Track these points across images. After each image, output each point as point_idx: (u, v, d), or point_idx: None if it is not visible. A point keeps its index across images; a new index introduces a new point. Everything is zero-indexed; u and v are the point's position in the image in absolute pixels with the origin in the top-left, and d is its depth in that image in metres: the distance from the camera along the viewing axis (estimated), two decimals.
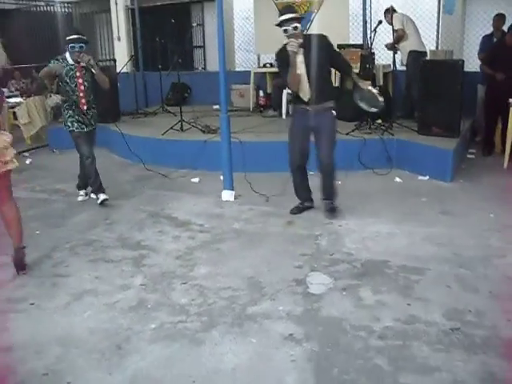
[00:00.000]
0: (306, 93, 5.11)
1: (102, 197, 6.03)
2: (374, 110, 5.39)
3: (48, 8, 14.60)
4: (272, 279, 4.08)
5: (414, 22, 8.24)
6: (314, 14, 9.64)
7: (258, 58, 11.09)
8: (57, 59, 5.87)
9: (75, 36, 5.79)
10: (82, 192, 6.38)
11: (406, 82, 8.31)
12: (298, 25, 4.93)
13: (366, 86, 5.20)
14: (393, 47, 7.76)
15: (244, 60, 12.50)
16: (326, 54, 5.02)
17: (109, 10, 13.26)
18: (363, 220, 5.26)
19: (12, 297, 3.99)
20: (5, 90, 11.18)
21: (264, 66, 10.46)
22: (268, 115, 9.25)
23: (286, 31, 4.95)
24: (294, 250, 4.61)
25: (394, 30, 7.59)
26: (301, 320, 3.49)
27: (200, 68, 13.17)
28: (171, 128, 7.90)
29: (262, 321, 3.50)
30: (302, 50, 4.97)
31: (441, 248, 4.55)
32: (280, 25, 4.99)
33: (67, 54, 5.85)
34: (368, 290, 3.87)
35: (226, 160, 6.01)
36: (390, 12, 7.93)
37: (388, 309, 3.60)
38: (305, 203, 5.58)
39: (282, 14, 5.05)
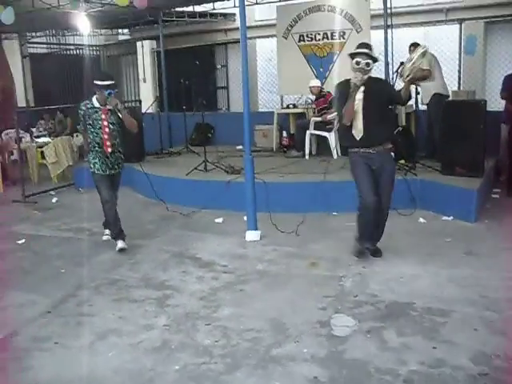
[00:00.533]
0: (358, 131, 5.07)
1: (119, 245, 5.95)
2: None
3: (77, 51, 15.03)
4: (296, 321, 4.06)
5: (439, 64, 8.29)
6: (336, 56, 9.80)
7: (281, 99, 11.23)
8: (80, 108, 5.94)
9: (107, 82, 5.76)
10: (107, 231, 6.34)
11: (428, 122, 8.32)
12: (370, 61, 4.94)
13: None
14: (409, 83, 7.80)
15: (267, 101, 12.68)
16: (387, 98, 5.15)
17: (135, 53, 13.61)
18: (387, 261, 5.22)
19: (37, 335, 4.03)
20: (33, 129, 11.48)
21: (287, 106, 10.59)
22: (291, 156, 9.31)
23: (357, 63, 4.93)
24: (318, 291, 4.59)
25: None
26: (325, 362, 3.46)
27: (224, 109, 13.38)
28: (195, 168, 8.00)
29: (286, 363, 3.47)
30: (362, 88, 4.98)
31: (466, 289, 4.49)
32: (353, 56, 5.00)
33: (94, 97, 5.90)
34: (393, 333, 3.82)
35: (250, 200, 6.05)
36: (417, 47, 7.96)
37: (413, 352, 3.55)
38: (371, 246, 5.37)
39: (359, 46, 5.10)
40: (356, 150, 5.14)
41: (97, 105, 5.88)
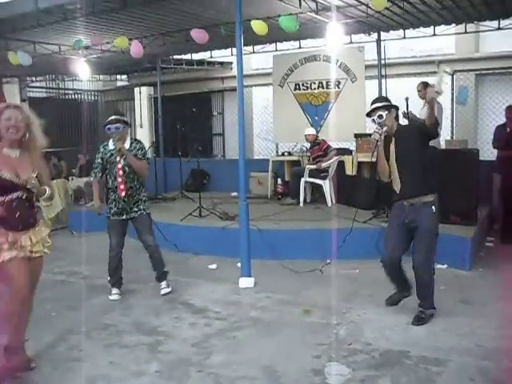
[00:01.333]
0: (396, 183, 4.88)
1: (113, 294, 5.80)
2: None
3: (76, 96, 15.22)
4: (289, 369, 4.00)
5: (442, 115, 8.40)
6: (331, 105, 9.95)
7: (277, 147, 11.34)
8: (98, 151, 5.79)
9: (112, 117, 5.64)
10: (114, 290, 5.89)
11: None
12: (382, 113, 4.79)
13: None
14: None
15: (262, 148, 12.81)
16: (416, 136, 4.77)
17: (133, 99, 13.80)
18: (382, 309, 5.18)
19: (26, 381, 3.93)
20: None
21: (282, 154, 10.69)
22: (286, 203, 9.33)
23: (373, 121, 4.89)
24: (312, 339, 4.53)
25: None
26: None
27: (219, 155, 13.50)
28: (190, 214, 8.01)
29: None
30: (393, 138, 4.85)
31: (462, 338, 4.45)
32: (368, 115, 5.00)
33: (110, 140, 5.71)
34: (387, 382, 3.77)
35: (244, 247, 6.03)
36: (426, 88, 8.08)
37: None
38: (402, 293, 5.18)
39: (371, 103, 5.04)
40: (396, 201, 4.96)
41: (111, 147, 5.69)
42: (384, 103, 4.93)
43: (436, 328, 4.70)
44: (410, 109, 7.77)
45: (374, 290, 5.63)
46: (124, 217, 5.74)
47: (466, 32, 9.33)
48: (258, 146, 13.05)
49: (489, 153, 9.17)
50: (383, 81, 8.86)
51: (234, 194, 9.70)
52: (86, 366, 4.15)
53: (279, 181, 10.29)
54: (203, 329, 4.87)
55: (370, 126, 9.85)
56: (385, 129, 4.81)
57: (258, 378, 3.87)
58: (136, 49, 8.82)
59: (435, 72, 10.27)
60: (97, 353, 4.40)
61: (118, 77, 15.13)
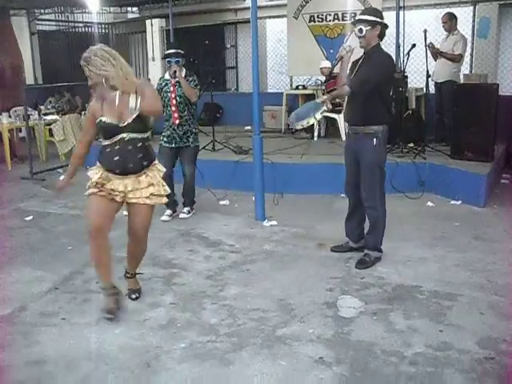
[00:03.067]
0: (345, 109, 4.91)
1: (164, 215, 6.21)
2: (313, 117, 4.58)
3: (86, 29, 14.97)
4: (302, 301, 4.06)
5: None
6: (347, 38, 9.70)
7: (291, 80, 11.15)
8: (158, 83, 6.16)
9: (171, 51, 5.98)
10: (168, 211, 6.27)
11: (439, 106, 8.24)
12: (363, 27, 4.46)
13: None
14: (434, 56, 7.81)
15: (276, 81, 12.61)
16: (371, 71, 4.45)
17: (144, 31, 13.52)
18: (395, 244, 5.20)
19: (44, 311, 4.04)
20: (42, 107, 11.46)
21: (296, 87, 10.52)
22: (300, 137, 9.26)
23: (354, 33, 4.63)
24: (325, 272, 4.58)
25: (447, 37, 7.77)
26: (331, 343, 3.46)
27: (232, 89, 13.31)
28: (204, 148, 7.97)
29: (291, 343, 3.48)
30: (360, 60, 4.61)
31: (474, 274, 4.48)
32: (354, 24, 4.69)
33: (166, 72, 6.12)
34: (399, 315, 3.82)
35: (258, 181, 6.02)
36: (452, 20, 7.91)
37: (419, 335, 3.54)
38: (349, 242, 5.05)
39: (361, 12, 4.79)
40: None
41: (167, 77, 6.07)
42: (370, 17, 4.51)
43: (449, 263, 4.72)
44: (429, 41, 7.56)
45: (387, 226, 5.60)
46: (173, 145, 6.10)
47: None
48: (272, 79, 12.84)
49: (509, 88, 8.98)
50: (401, 12, 8.58)
51: (248, 127, 9.64)
52: (102, 298, 4.23)
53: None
54: (217, 261, 4.94)
55: None
56: (353, 47, 4.62)
57: (272, 310, 3.94)
58: None
59: (456, 2, 9.92)
60: None
61: (129, 9, 14.77)
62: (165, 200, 3.96)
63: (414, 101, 8.75)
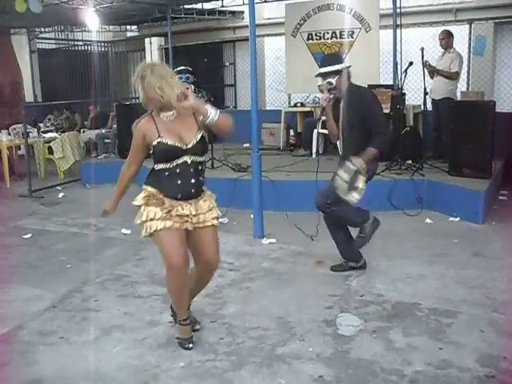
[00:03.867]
0: (339, 147, 4.86)
1: None
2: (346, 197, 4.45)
3: (85, 47, 15.07)
4: (301, 319, 4.05)
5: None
6: (344, 55, 9.76)
7: (289, 98, 11.22)
8: None
9: (181, 67, 6.01)
10: None
11: (436, 123, 8.29)
12: (332, 80, 4.53)
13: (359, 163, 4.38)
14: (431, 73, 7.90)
15: (274, 99, 12.66)
16: (358, 112, 4.50)
17: (143, 49, 13.60)
18: (393, 261, 5.20)
19: (42, 330, 4.03)
20: (41, 124, 11.50)
21: (295, 105, 10.58)
22: (298, 154, 9.29)
23: (321, 89, 4.68)
24: (324, 290, 4.57)
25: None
26: (331, 362, 3.45)
27: (231, 106, 13.37)
28: None
29: (291, 361, 3.46)
30: (342, 100, 4.64)
31: (473, 291, 4.47)
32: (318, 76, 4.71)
33: None
34: (399, 333, 3.80)
35: (256, 198, 6.03)
36: (450, 37, 7.99)
37: (419, 352, 3.53)
38: (349, 263, 5.00)
39: (321, 64, 4.74)
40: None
41: None
42: (334, 67, 4.56)
43: (448, 280, 4.72)
44: (425, 59, 7.63)
45: (386, 242, 5.64)
46: None
47: None
48: (271, 96, 12.90)
49: (505, 105, 9.03)
50: (398, 30, 8.65)
51: (246, 145, 9.66)
52: (101, 316, 4.23)
53: (291, 132, 10.22)
54: (216, 280, 4.90)
55: (384, 78, 9.73)
56: (332, 96, 4.61)
57: (271, 329, 3.92)
58: None
59: (452, 21, 10.01)
60: (111, 303, 4.47)
61: (128, 27, 14.88)
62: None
63: (412, 118, 8.80)
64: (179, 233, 3.49)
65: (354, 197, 4.38)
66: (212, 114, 3.40)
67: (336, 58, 4.81)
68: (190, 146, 3.44)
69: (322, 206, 4.76)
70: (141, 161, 3.67)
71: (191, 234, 3.58)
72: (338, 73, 4.55)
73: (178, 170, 3.45)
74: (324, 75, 4.60)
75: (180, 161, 3.44)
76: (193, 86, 6.05)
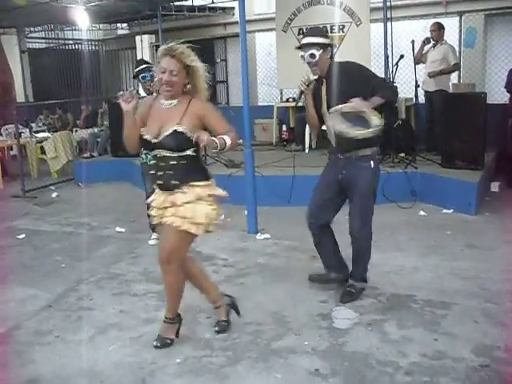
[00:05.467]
0: (331, 135, 4.19)
1: (152, 239, 5.86)
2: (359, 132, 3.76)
3: (76, 46, 15.01)
4: (297, 314, 4.06)
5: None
6: (336, 49, 9.76)
7: (281, 93, 11.21)
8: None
9: (144, 66, 5.75)
10: (154, 235, 5.82)
11: (429, 115, 8.31)
12: (315, 52, 4.00)
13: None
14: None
15: (266, 94, 12.64)
16: (355, 84, 3.91)
17: (134, 47, 13.55)
18: (387, 254, 5.22)
19: (38, 329, 4.03)
20: (33, 124, 11.46)
21: (287, 100, 10.59)
22: (291, 149, 9.29)
23: (303, 58, 4.09)
24: (319, 284, 4.57)
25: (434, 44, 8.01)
26: (326, 355, 3.46)
27: (223, 103, 13.35)
28: None
29: (287, 356, 3.48)
30: (324, 81, 4.11)
31: (467, 282, 4.50)
32: (299, 48, 4.18)
33: (139, 87, 5.86)
34: (394, 325, 3.83)
35: (250, 194, 6.04)
36: (440, 29, 8.04)
37: (414, 344, 3.55)
38: (331, 273, 4.46)
39: (304, 35, 4.24)
40: (331, 154, 4.36)
41: (143, 94, 5.74)
42: (320, 39, 4.07)
43: (442, 272, 4.74)
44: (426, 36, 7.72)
45: (380, 236, 5.61)
46: None
47: None
48: (263, 92, 12.88)
49: (497, 96, 9.05)
50: (388, 24, 8.66)
51: (239, 141, 9.64)
52: (96, 315, 4.23)
53: (284, 127, 10.22)
54: (211, 276, 4.90)
55: (375, 71, 9.72)
56: (312, 77, 4.06)
57: (267, 323, 3.94)
58: None
59: (443, 13, 10.03)
60: (107, 302, 4.48)
61: (119, 25, 14.82)
62: (194, 229, 3.50)
63: (404, 111, 8.81)
64: (161, 225, 3.57)
65: (369, 130, 3.74)
66: (224, 144, 3.40)
67: (320, 31, 4.31)
68: (158, 139, 3.40)
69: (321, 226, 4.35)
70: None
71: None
72: (322, 46, 4.03)
73: (152, 162, 3.48)
74: (308, 46, 4.04)
75: (153, 153, 3.45)
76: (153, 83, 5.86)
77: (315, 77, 4.08)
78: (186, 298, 4.39)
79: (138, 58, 11.13)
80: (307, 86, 4.09)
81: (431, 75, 8.03)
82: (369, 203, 4.16)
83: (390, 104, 7.73)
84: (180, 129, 3.37)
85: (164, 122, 3.40)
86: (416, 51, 7.95)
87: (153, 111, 3.50)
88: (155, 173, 3.48)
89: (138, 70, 5.81)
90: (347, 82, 3.95)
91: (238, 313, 3.98)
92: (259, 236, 5.98)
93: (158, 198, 3.56)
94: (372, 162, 4.10)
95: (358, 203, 4.11)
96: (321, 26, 4.95)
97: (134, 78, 5.86)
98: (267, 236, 5.96)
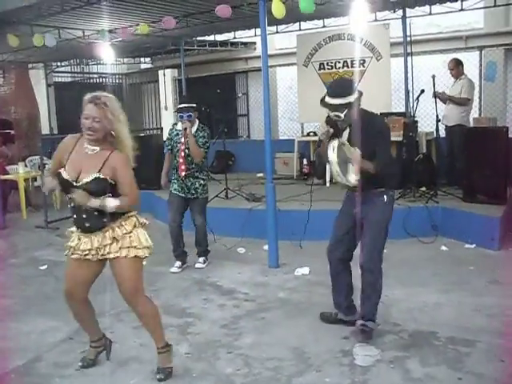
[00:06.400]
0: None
1: (174, 267, 6.20)
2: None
3: (100, 79, 15.30)
4: (318, 350, 4.02)
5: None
6: (356, 84, 9.83)
7: (302, 127, 11.28)
8: (170, 130, 6.29)
9: (183, 105, 6.03)
10: (177, 263, 6.25)
11: (449, 149, 8.30)
12: (340, 114, 4.02)
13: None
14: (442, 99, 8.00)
15: (287, 128, 12.74)
16: (371, 139, 4.03)
17: (157, 81, 13.81)
18: (410, 289, 5.17)
19: (59, 362, 4.04)
20: None
21: (308, 134, 10.63)
22: (312, 183, 9.28)
23: (328, 117, 4.13)
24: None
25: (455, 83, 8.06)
26: None
27: (244, 136, 13.47)
28: (217, 196, 8.02)
29: None
30: (347, 129, 4.18)
31: (491, 319, 4.42)
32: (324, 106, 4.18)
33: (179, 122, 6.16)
34: (416, 362, 3.77)
35: (271, 228, 6.04)
36: (458, 66, 8.07)
37: (437, 383, 3.49)
38: (338, 314, 4.49)
39: (328, 93, 4.16)
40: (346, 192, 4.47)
41: (179, 127, 6.10)
42: (344, 100, 4.03)
43: (465, 309, 4.67)
44: (436, 88, 7.69)
45: (402, 271, 5.60)
46: (183, 194, 6.10)
47: (495, 5, 9.06)
48: (283, 126, 13.00)
49: None
50: (409, 58, 8.72)
51: (260, 174, 9.71)
52: (117, 348, 4.21)
53: (305, 161, 10.24)
54: (232, 310, 4.92)
55: (395, 106, 9.78)
56: (332, 130, 4.10)
57: (287, 359, 3.90)
58: (169, 23, 8.81)
59: (463, 48, 10.08)
60: (127, 335, 4.47)
61: (142, 59, 15.13)
62: (141, 252, 3.66)
63: (425, 145, 8.81)
64: (77, 264, 3.66)
65: (352, 178, 4.03)
66: (104, 207, 3.42)
67: (346, 89, 4.14)
68: (80, 183, 3.44)
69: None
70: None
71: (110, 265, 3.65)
72: (347, 106, 4.03)
73: (72, 204, 3.53)
74: (332, 108, 4.07)
75: (71, 195, 3.46)
76: (197, 122, 6.05)
77: (331, 130, 4.12)
78: (206, 333, 4.42)
79: (184, 95, 11.27)
80: (327, 136, 4.12)
81: (441, 96, 7.99)
82: (379, 236, 4.20)
83: (411, 138, 7.78)
84: (101, 175, 3.44)
85: (84, 168, 3.46)
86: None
87: (74, 154, 3.55)
88: (79, 216, 3.53)
89: (177, 108, 6.16)
90: (366, 136, 4.01)
91: (107, 356, 4.00)
92: (297, 272, 5.90)
93: (85, 241, 3.57)
94: (385, 197, 4.19)
95: (368, 235, 4.17)
96: (346, 80, 4.68)
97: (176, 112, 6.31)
98: (288, 270, 5.93)
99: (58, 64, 14.78)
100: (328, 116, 4.14)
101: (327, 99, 4.11)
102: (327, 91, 4.18)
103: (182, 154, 5.97)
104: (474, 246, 6.46)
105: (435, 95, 7.76)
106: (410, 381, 3.53)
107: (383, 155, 4.11)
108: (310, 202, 6.03)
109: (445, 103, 8.13)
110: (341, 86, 4.28)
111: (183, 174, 6.00)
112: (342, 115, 4.03)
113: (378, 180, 4.11)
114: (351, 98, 4.04)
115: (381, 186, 4.17)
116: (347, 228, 4.30)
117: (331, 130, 4.09)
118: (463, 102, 7.99)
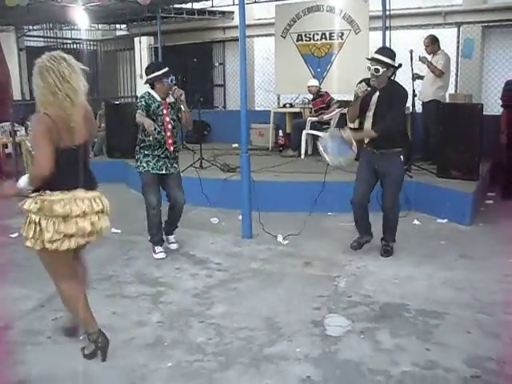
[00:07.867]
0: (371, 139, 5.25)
1: (158, 253, 5.56)
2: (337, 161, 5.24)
3: (74, 46, 14.99)
4: (289, 320, 4.06)
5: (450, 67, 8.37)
6: (334, 56, 9.80)
7: (278, 98, 11.23)
8: (142, 97, 5.40)
9: (167, 69, 5.31)
10: (160, 248, 5.63)
11: (424, 125, 8.34)
12: (380, 68, 4.92)
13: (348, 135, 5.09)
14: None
15: (263, 99, 12.65)
16: (392, 105, 5.03)
17: (132, 49, 13.55)
18: (382, 262, 5.24)
19: (30, 329, 4.00)
20: (29, 123, 11.41)
21: (284, 106, 10.60)
22: (287, 155, 9.30)
23: (368, 69, 4.99)
24: (312, 291, 4.58)
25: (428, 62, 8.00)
26: (318, 362, 3.46)
27: (220, 106, 13.36)
28: (191, 165, 7.97)
29: (279, 362, 3.47)
30: (377, 93, 5.07)
31: (460, 292, 4.50)
32: (369, 60, 5.10)
33: (152, 91, 5.40)
34: (386, 334, 3.82)
35: (245, 199, 6.03)
36: (434, 43, 8.07)
37: (406, 353, 3.55)
38: (363, 237, 5.55)
39: (376, 51, 5.18)
40: (364, 148, 5.34)
41: (158, 98, 5.36)
42: (387, 59, 4.99)
43: (435, 282, 4.75)
44: (414, 61, 7.69)
45: (374, 243, 5.65)
46: (163, 171, 5.45)
47: None
48: (260, 97, 12.90)
49: (493, 107, 9.09)
50: (387, 32, 8.69)
51: (235, 145, 9.67)
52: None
53: (280, 132, 10.23)
54: (204, 280, 4.92)
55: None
56: (369, 89, 5.02)
57: (259, 329, 3.93)
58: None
59: (441, 24, 10.07)
60: (100, 303, 4.43)
61: (118, 26, 14.82)
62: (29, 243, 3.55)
63: None
64: None
65: (340, 161, 5.17)
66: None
67: (391, 53, 5.10)
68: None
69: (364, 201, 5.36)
70: None
71: None
72: (387, 65, 4.95)
73: None
74: (376, 61, 4.95)
75: None
76: (176, 87, 5.34)
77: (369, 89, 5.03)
78: (178, 302, 4.42)
79: (152, 61, 11.06)
80: (364, 92, 5.02)
81: (422, 60, 8.02)
82: (399, 187, 5.33)
83: None
84: None
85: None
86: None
87: None
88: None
89: (161, 72, 5.32)
90: (390, 102, 5.02)
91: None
92: (279, 239, 5.96)
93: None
94: (402, 157, 5.23)
95: (391, 189, 5.25)
96: (392, 49, 5.46)
97: (156, 77, 5.34)
98: (261, 241, 5.95)
99: (30, 28, 14.42)
100: (363, 79, 5.08)
101: (373, 54, 5.10)
102: (376, 50, 5.22)
103: (169, 126, 5.34)
104: (445, 220, 6.54)
105: (413, 76, 7.77)
106: (379, 351, 3.59)
107: (392, 117, 5.02)
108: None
109: (422, 79, 8.14)
110: (388, 50, 5.48)
111: (171, 148, 5.41)
112: (381, 71, 4.91)
113: (396, 141, 5.17)
114: (390, 61, 5.00)
115: (399, 146, 5.19)
116: (369, 181, 5.31)
117: (368, 88, 4.99)
118: (438, 74, 7.99)
